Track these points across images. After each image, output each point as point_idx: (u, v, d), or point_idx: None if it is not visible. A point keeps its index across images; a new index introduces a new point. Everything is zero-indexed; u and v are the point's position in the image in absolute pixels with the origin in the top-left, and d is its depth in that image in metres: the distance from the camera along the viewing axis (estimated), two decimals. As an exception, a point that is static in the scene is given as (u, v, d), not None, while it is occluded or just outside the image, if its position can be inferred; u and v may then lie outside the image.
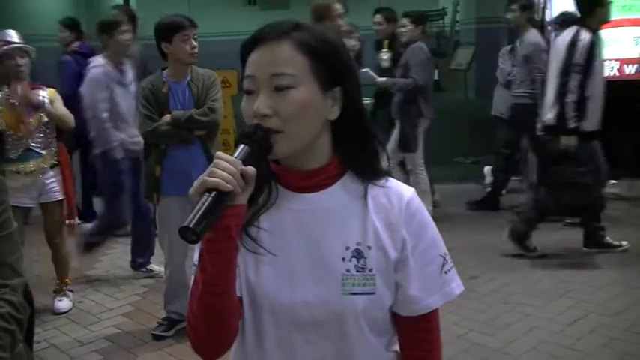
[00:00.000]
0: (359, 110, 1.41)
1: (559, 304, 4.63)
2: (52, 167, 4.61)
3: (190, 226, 1.19)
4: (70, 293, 4.90)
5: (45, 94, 4.56)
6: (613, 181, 7.58)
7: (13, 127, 4.46)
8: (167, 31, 4.04)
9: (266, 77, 1.32)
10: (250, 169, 1.26)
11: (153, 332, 4.35)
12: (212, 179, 1.21)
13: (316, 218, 1.39)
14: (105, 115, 4.99)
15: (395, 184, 1.45)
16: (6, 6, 12.17)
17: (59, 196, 4.68)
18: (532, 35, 6.69)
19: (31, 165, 4.52)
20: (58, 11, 15.01)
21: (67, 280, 4.89)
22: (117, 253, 6.06)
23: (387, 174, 1.46)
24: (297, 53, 1.32)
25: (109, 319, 4.68)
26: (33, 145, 4.53)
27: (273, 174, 1.42)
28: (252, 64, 1.34)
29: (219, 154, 1.26)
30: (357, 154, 1.41)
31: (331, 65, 1.35)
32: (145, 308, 4.83)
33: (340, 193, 1.41)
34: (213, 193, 1.21)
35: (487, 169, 7.69)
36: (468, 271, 5.09)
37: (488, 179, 7.61)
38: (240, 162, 1.25)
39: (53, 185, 4.64)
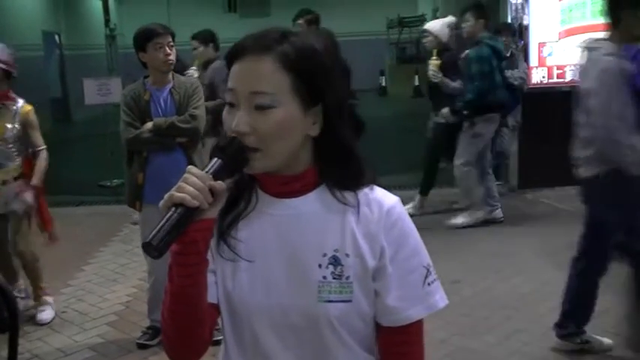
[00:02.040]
0: (339, 127, 1.37)
1: (541, 307, 4.66)
2: (15, 179, 4.60)
3: (152, 242, 1.18)
4: (49, 300, 4.85)
5: (18, 109, 4.57)
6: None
7: None
8: (141, 39, 4.07)
9: (246, 94, 1.30)
10: (219, 185, 1.24)
11: (137, 341, 4.34)
12: (178, 194, 1.21)
13: (295, 224, 1.38)
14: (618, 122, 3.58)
15: (378, 192, 1.43)
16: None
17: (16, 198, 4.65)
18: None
19: None
20: (36, 16, 14.96)
21: (42, 287, 4.84)
22: (100, 263, 6.04)
23: (372, 182, 1.43)
24: (278, 70, 1.29)
25: (93, 328, 4.66)
26: None
27: (254, 178, 1.40)
28: (234, 78, 1.32)
29: (191, 168, 1.25)
30: (335, 170, 1.39)
31: (313, 84, 1.32)
32: (129, 318, 4.81)
33: (320, 199, 1.40)
34: (179, 208, 1.20)
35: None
36: (450, 275, 5.12)
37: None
38: (211, 176, 1.24)
39: (18, 196, 4.61)
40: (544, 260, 5.59)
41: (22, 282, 4.93)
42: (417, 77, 18.68)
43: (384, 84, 20.53)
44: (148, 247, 1.19)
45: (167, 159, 4.09)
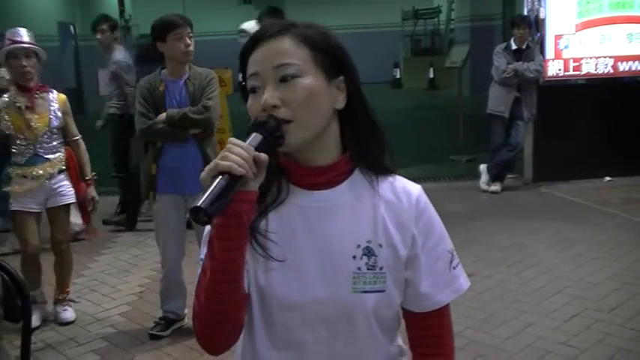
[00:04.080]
0: (363, 99, 1.42)
1: (555, 301, 4.64)
2: (60, 172, 4.43)
3: (202, 206, 1.17)
4: (71, 304, 4.71)
5: (54, 99, 4.45)
6: (608, 178, 7.67)
7: (20, 131, 4.32)
8: (161, 30, 4.05)
9: (269, 71, 1.33)
10: (263, 155, 1.25)
11: (150, 332, 4.34)
12: (225, 163, 1.21)
13: (326, 216, 1.39)
14: None
15: (402, 181, 1.46)
16: (1, 7, 12.16)
17: (68, 200, 4.49)
18: (118, 53, 6.78)
19: (39, 169, 4.36)
20: (52, 6, 15.02)
21: (68, 290, 4.69)
22: (113, 253, 6.06)
23: (394, 171, 1.46)
24: (298, 45, 1.35)
25: (105, 319, 4.67)
26: (40, 150, 4.37)
27: (283, 170, 1.41)
28: (255, 63, 1.35)
29: (232, 139, 1.25)
30: (364, 144, 1.42)
31: (332, 55, 1.38)
32: (142, 308, 4.83)
33: (350, 191, 1.41)
34: (225, 176, 1.21)
35: (483, 166, 7.72)
36: (464, 268, 5.09)
37: (484, 177, 7.64)
38: (253, 148, 1.25)
39: (62, 189, 4.44)
40: (558, 254, 5.56)
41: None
42: (431, 70, 18.63)
43: (398, 76, 20.47)
44: (196, 213, 1.18)
45: (180, 150, 4.09)
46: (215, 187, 1.20)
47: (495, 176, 7.61)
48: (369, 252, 1.38)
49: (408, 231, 1.41)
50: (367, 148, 1.42)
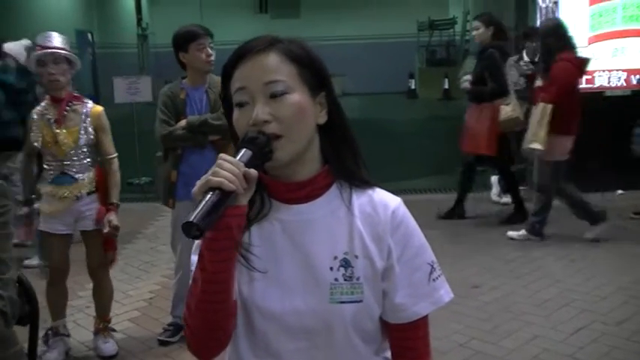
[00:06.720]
0: (342, 113, 1.47)
1: (562, 313, 4.64)
2: (89, 194, 4.08)
3: (194, 221, 1.22)
4: (113, 333, 4.44)
5: (88, 112, 4.09)
6: (620, 191, 7.65)
7: (48, 146, 4.01)
8: (183, 40, 4.16)
9: (259, 86, 1.36)
10: (252, 171, 1.30)
11: (159, 338, 4.40)
12: (216, 179, 1.25)
13: (305, 229, 1.43)
14: None
15: (381, 194, 1.49)
16: (14, 10, 12.27)
17: (98, 225, 4.14)
18: None
19: (65, 191, 4.03)
20: (70, 15, 15.16)
21: (109, 318, 4.44)
22: (124, 259, 6.09)
23: (374, 184, 1.49)
24: (284, 61, 1.38)
25: (115, 324, 4.67)
26: (68, 169, 4.03)
27: (264, 185, 1.44)
28: (242, 77, 1.39)
29: (223, 155, 1.30)
30: (342, 157, 1.46)
31: (315, 71, 1.42)
32: (152, 314, 4.88)
33: (328, 204, 1.45)
34: (216, 191, 1.25)
35: (494, 178, 7.71)
36: (470, 279, 5.10)
37: (495, 189, 7.63)
38: (243, 164, 1.29)
39: (91, 212, 4.10)
40: (566, 266, 5.57)
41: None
42: (446, 80, 18.64)
43: (413, 87, 20.49)
44: (189, 227, 1.22)
45: (199, 157, 4.19)
46: (207, 202, 1.24)
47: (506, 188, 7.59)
48: (345, 263, 1.41)
49: (384, 243, 1.44)
50: (345, 161, 1.46)
